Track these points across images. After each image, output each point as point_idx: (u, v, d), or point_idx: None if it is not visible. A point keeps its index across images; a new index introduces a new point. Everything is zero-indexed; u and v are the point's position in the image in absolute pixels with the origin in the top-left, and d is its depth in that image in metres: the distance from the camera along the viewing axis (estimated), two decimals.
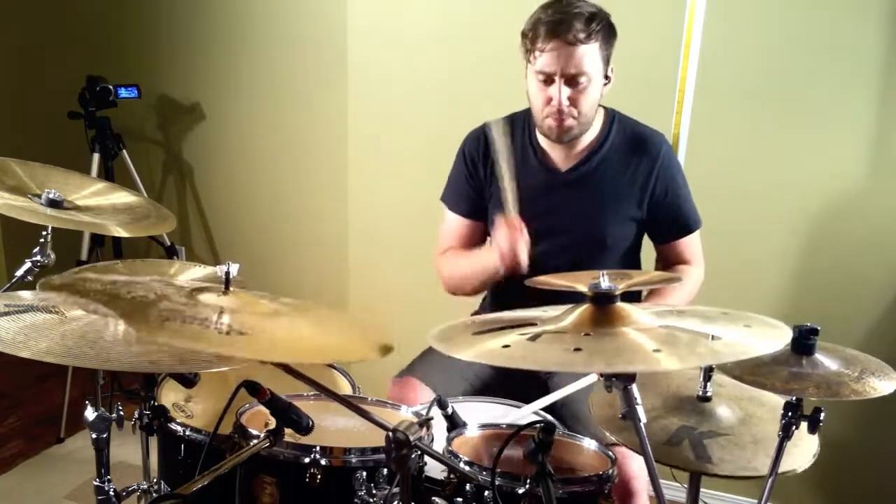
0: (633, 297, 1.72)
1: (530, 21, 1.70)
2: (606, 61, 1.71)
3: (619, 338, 1.06)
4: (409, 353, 1.88)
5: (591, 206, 1.82)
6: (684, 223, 1.86)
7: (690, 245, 1.89)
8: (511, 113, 1.89)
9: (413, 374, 1.81)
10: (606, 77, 1.74)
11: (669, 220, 1.85)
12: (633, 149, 1.81)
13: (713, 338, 1.05)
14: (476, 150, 1.89)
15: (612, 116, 1.84)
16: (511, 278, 1.76)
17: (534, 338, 1.08)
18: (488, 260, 1.74)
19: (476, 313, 2.02)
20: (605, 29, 1.68)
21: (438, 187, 1.99)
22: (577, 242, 1.83)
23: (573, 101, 1.69)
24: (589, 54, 1.66)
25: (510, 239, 1.65)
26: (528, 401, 1.67)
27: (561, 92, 1.68)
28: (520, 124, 1.87)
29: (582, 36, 1.63)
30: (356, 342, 1.22)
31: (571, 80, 1.67)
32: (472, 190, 1.91)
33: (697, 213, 1.88)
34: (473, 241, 1.93)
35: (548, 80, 1.69)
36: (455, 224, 1.95)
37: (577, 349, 1.02)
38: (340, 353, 1.19)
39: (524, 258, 1.65)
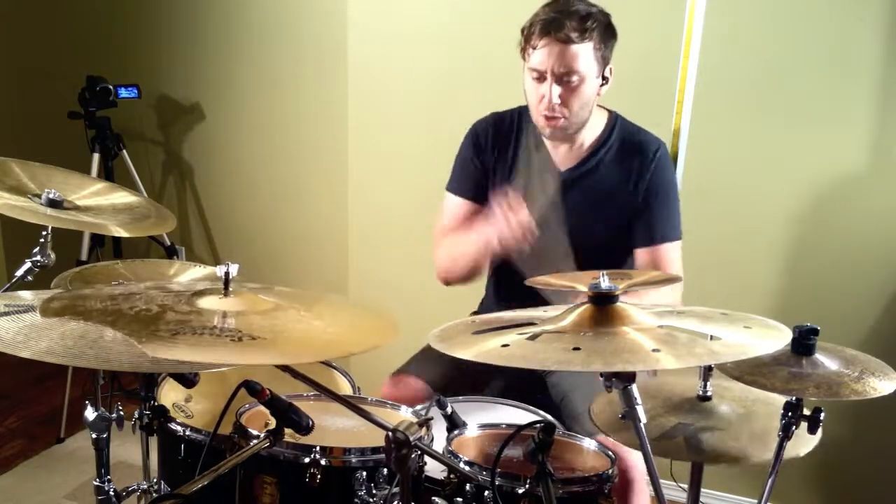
0: None
1: (530, 18, 1.71)
2: (603, 62, 1.70)
3: (618, 337, 1.06)
4: (409, 352, 1.88)
5: (587, 205, 1.82)
6: (654, 231, 1.79)
7: (667, 256, 1.80)
8: (518, 106, 1.89)
9: (408, 372, 1.81)
10: (604, 78, 1.73)
11: (642, 222, 1.79)
12: (631, 151, 1.81)
13: (712, 338, 1.05)
14: (486, 136, 1.88)
15: (614, 119, 1.84)
16: (507, 269, 1.75)
17: (533, 337, 1.09)
18: (485, 235, 1.70)
19: (475, 313, 2.02)
20: (601, 29, 1.67)
21: (438, 186, 1.99)
22: (572, 241, 1.82)
23: (564, 100, 1.69)
24: (582, 54, 1.65)
25: (508, 214, 1.62)
26: (525, 398, 1.68)
27: (552, 90, 1.67)
28: (526, 117, 1.86)
29: (574, 35, 1.63)
30: (364, 328, 1.22)
31: (562, 79, 1.67)
32: (478, 172, 1.89)
33: (676, 229, 1.80)
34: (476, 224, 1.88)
35: (540, 77, 1.69)
36: (458, 207, 1.91)
37: (576, 348, 1.02)
38: (355, 344, 1.18)
39: (519, 233, 1.63)
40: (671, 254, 1.80)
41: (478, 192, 1.90)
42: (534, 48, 1.67)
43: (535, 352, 1.06)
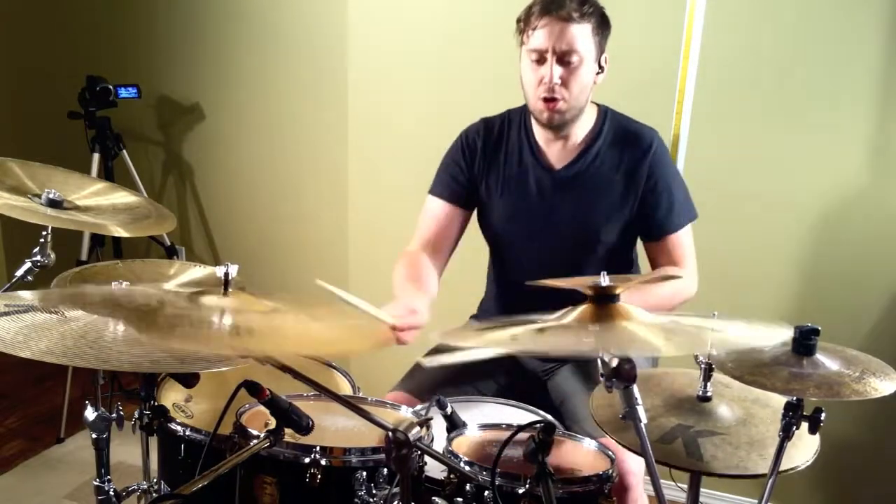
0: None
1: (528, 5, 1.73)
2: (599, 48, 1.72)
3: (624, 329, 1.09)
4: (410, 352, 1.87)
5: (585, 203, 1.81)
6: (661, 224, 1.80)
7: (680, 244, 1.81)
8: (507, 110, 1.89)
9: (405, 390, 1.78)
10: (600, 66, 1.74)
11: (648, 217, 1.80)
12: (625, 144, 1.80)
13: (713, 330, 1.07)
14: (475, 143, 1.87)
15: (604, 112, 1.84)
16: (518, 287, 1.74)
17: (541, 330, 1.10)
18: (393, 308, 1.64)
19: (475, 316, 2.01)
20: (597, 15, 1.70)
21: None
22: (572, 240, 1.82)
23: (564, 82, 1.69)
24: (581, 34, 1.67)
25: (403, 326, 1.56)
26: (525, 398, 1.67)
27: (552, 70, 1.68)
28: (517, 119, 1.87)
29: (575, 15, 1.66)
30: (361, 333, 1.23)
31: (563, 59, 1.68)
32: (462, 176, 1.88)
33: (682, 215, 1.81)
34: (450, 228, 1.89)
35: (540, 58, 1.70)
36: (435, 208, 1.89)
37: (586, 338, 1.06)
38: (350, 345, 1.20)
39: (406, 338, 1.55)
40: (682, 241, 1.81)
41: (459, 195, 1.88)
42: (534, 29, 1.69)
43: (545, 340, 1.09)
